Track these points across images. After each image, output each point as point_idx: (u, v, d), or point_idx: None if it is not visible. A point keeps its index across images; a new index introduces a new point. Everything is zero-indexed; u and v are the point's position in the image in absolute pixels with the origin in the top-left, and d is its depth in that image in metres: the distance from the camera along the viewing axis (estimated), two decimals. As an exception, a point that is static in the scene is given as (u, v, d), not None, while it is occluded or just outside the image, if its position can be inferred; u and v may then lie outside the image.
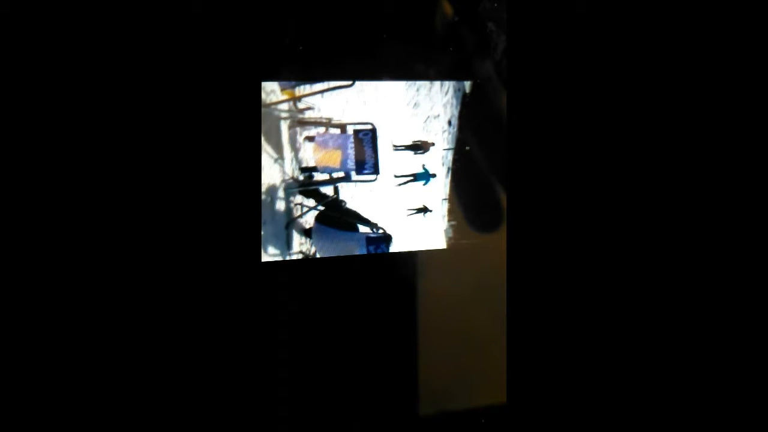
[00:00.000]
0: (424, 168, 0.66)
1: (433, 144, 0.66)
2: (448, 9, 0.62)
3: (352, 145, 0.63)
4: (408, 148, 0.65)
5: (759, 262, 0.50)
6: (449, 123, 0.66)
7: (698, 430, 0.51)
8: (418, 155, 0.65)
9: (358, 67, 0.61)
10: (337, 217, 0.63)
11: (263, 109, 0.60)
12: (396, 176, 0.65)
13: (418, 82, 0.65)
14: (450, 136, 0.66)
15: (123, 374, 0.52)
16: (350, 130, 0.63)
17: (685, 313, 0.52)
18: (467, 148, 0.65)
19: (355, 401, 0.61)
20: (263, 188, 0.61)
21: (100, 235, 0.52)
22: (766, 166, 0.50)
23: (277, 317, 0.59)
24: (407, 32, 0.62)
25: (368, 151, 0.64)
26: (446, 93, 0.65)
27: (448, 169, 0.66)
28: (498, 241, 0.64)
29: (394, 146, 0.64)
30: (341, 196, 0.64)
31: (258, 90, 0.58)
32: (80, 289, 0.51)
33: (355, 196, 0.64)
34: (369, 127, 0.64)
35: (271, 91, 0.61)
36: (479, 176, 0.66)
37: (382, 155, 0.64)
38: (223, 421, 0.55)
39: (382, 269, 0.63)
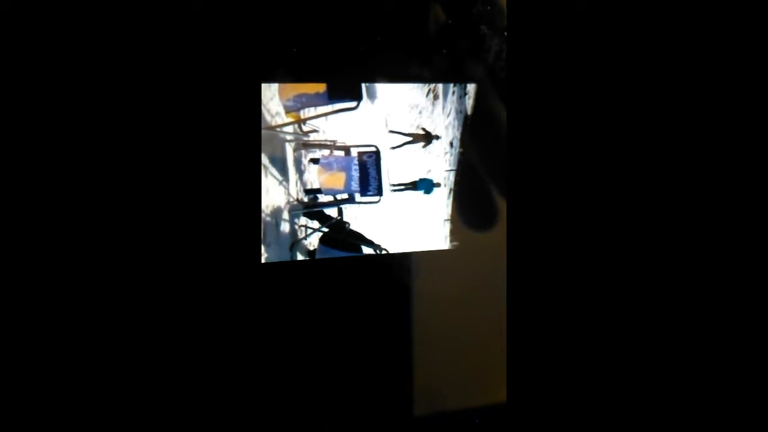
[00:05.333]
0: (424, 178, 0.66)
1: (437, 137, 0.66)
2: (440, 13, 0.63)
3: (357, 167, 0.64)
4: (404, 135, 0.65)
5: (759, 262, 0.51)
6: (451, 144, 0.66)
7: (698, 430, 0.52)
8: (413, 145, 0.66)
9: (352, 69, 0.62)
10: (341, 239, 0.64)
11: (268, 132, 0.61)
12: (392, 185, 0.65)
13: (420, 105, 0.65)
14: (452, 157, 0.67)
15: (126, 372, 0.53)
16: (354, 152, 0.64)
17: (684, 313, 0.53)
18: (461, 150, 0.66)
19: (356, 401, 0.62)
20: (267, 210, 0.61)
21: (106, 236, 0.52)
22: (766, 166, 0.51)
23: (277, 317, 0.59)
24: (401, 35, 0.62)
25: (372, 173, 0.64)
26: (448, 115, 0.66)
27: (450, 189, 0.67)
28: (497, 241, 0.64)
29: (390, 130, 0.64)
30: (345, 218, 0.64)
31: (258, 90, 0.59)
32: (86, 290, 0.51)
33: (359, 217, 0.65)
34: (373, 149, 0.64)
35: (276, 113, 0.61)
36: (481, 186, 0.67)
37: (384, 171, 0.65)
38: (221, 420, 0.56)
39: (383, 270, 0.64)
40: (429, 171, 0.66)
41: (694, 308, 0.53)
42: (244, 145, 0.57)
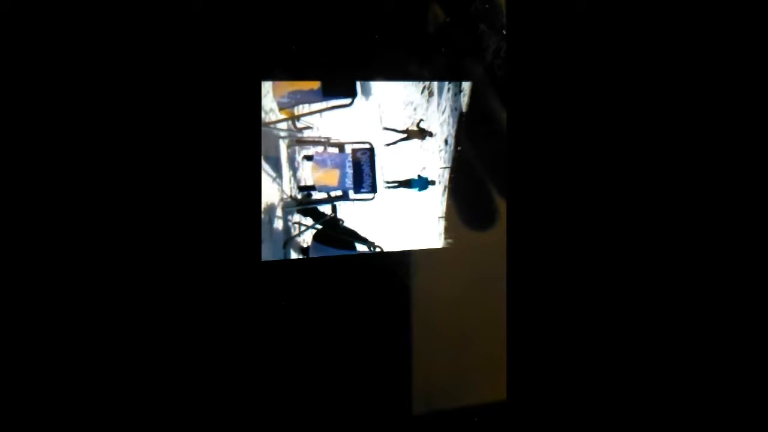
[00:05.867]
0: (419, 176, 0.66)
1: (431, 134, 0.66)
2: (439, 11, 0.63)
3: (351, 163, 0.63)
4: (398, 132, 0.65)
5: (758, 262, 0.51)
6: (446, 142, 0.66)
7: (698, 429, 0.52)
8: (407, 142, 0.65)
9: (351, 67, 0.62)
10: (335, 236, 0.63)
11: (262, 128, 0.60)
12: (386, 182, 0.65)
13: (415, 102, 0.65)
14: (446, 155, 0.66)
15: (124, 370, 0.52)
16: (348, 149, 0.63)
17: (684, 312, 0.53)
18: (459, 148, 0.66)
19: (354, 400, 0.61)
20: (261, 207, 0.61)
21: (105, 233, 0.52)
22: (766, 166, 0.51)
23: (276, 316, 0.59)
24: (400, 33, 0.62)
25: (366, 170, 0.64)
26: (443, 112, 0.66)
27: (445, 187, 0.66)
28: (495, 240, 0.64)
29: (384, 127, 0.64)
30: (339, 215, 0.64)
31: (258, 88, 0.59)
32: (84, 288, 0.51)
33: (352, 214, 0.64)
34: (367, 146, 0.64)
35: (270, 110, 0.61)
36: (476, 184, 0.66)
37: (378, 168, 0.64)
38: (220, 419, 0.55)
39: (381, 268, 0.63)
40: (423, 168, 0.66)
41: (694, 307, 0.53)
42: (244, 142, 0.56)
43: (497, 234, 0.65)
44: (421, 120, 0.65)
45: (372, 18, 0.61)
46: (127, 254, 0.52)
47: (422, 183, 0.66)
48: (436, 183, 0.66)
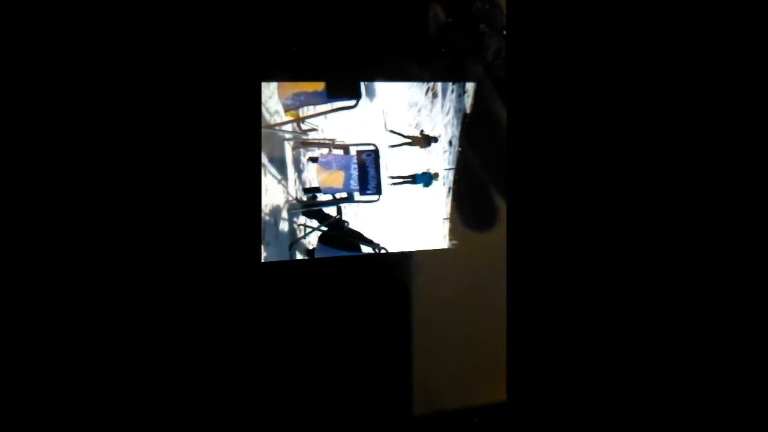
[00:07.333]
0: (423, 171, 0.66)
1: (435, 140, 0.66)
2: (440, 12, 0.63)
3: (356, 165, 0.64)
4: (403, 137, 0.65)
5: (759, 263, 0.51)
6: (450, 143, 0.66)
7: (698, 429, 0.52)
8: (411, 147, 0.66)
9: (352, 68, 0.62)
10: (340, 238, 0.64)
11: (266, 130, 0.60)
12: (392, 177, 0.65)
13: (420, 103, 0.65)
14: (451, 156, 0.66)
15: (125, 371, 0.52)
16: (353, 151, 0.64)
17: (684, 313, 0.53)
18: (459, 149, 0.66)
19: (355, 401, 0.62)
20: (266, 209, 0.61)
21: (106, 234, 0.52)
22: (766, 166, 0.51)
23: (277, 317, 0.59)
24: (400, 34, 0.62)
25: (371, 172, 0.64)
26: (447, 113, 0.66)
27: (449, 188, 0.67)
28: (496, 240, 0.64)
29: (390, 130, 0.64)
30: (344, 217, 0.64)
31: (258, 89, 0.59)
32: (85, 289, 0.51)
33: (358, 216, 0.64)
34: (372, 148, 0.64)
35: (275, 112, 0.61)
36: (480, 185, 0.67)
37: (383, 167, 0.65)
38: (221, 419, 0.56)
39: (382, 269, 0.64)
40: (428, 169, 0.66)
41: (695, 308, 0.53)
42: (244, 144, 0.57)
43: (503, 234, 0.66)
44: (422, 130, 0.66)
45: (372, 19, 0.61)
46: (127, 255, 0.53)
47: (426, 178, 0.66)
48: (440, 180, 0.67)
